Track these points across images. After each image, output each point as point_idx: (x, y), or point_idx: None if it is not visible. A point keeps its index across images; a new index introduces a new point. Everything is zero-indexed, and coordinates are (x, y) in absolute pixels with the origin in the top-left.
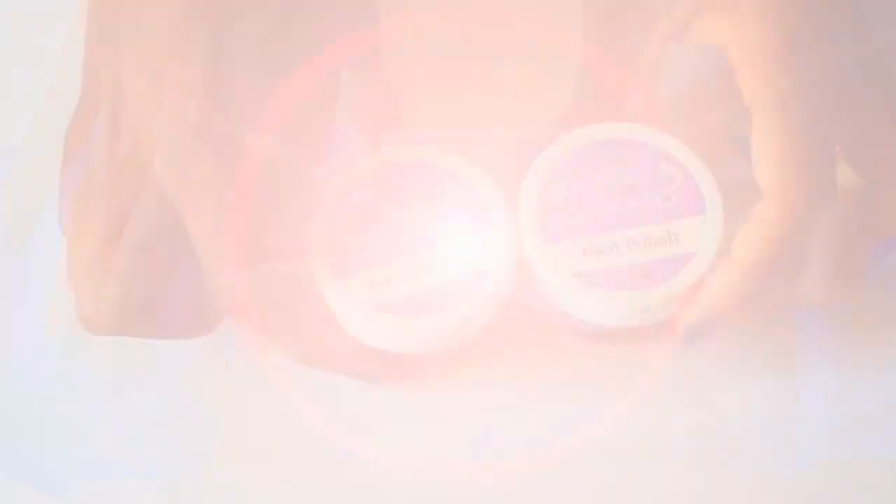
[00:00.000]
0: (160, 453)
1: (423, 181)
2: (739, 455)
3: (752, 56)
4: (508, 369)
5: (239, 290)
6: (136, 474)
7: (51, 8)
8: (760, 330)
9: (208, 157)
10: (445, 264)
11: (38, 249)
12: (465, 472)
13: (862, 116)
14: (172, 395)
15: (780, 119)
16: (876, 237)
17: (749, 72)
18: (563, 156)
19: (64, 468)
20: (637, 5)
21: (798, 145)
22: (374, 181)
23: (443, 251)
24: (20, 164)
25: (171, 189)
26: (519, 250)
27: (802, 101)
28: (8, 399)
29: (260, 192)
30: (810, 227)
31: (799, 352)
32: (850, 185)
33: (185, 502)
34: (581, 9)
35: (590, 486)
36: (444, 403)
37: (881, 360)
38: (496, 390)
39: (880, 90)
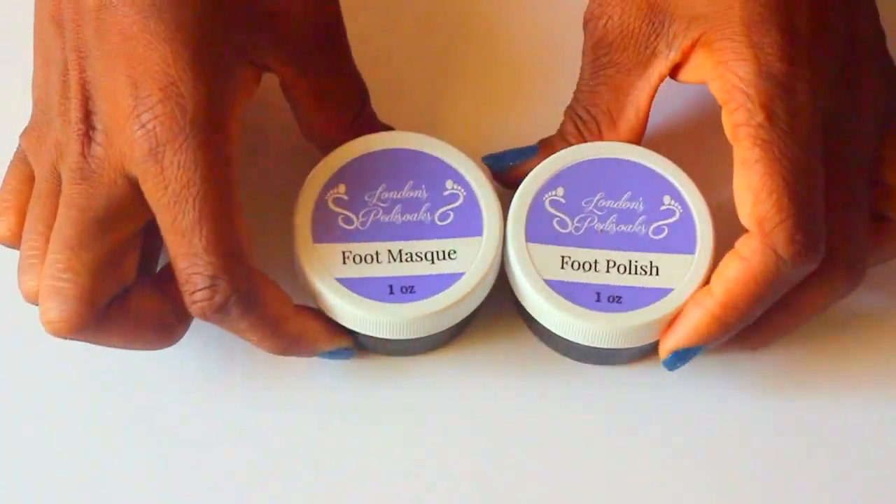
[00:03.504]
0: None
1: (403, 165)
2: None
3: (730, 93)
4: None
5: (220, 290)
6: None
7: None
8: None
9: (190, 154)
10: (423, 252)
11: None
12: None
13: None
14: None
15: (755, 153)
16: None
17: (729, 108)
18: (567, 165)
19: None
20: (628, 44)
21: (775, 179)
22: (353, 168)
23: (422, 239)
24: None
25: (149, 189)
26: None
27: (779, 136)
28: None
29: (237, 187)
30: (791, 272)
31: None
32: None
33: None
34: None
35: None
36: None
37: None
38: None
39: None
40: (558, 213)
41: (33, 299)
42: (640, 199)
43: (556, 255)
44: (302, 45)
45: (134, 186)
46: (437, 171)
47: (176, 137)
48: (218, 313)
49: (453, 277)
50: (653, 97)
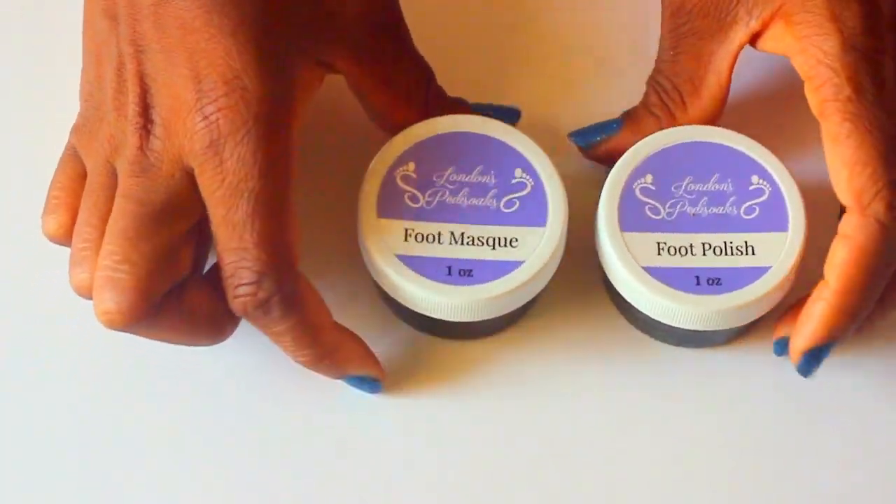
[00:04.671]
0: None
1: (474, 149)
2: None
3: (815, 68)
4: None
5: (264, 287)
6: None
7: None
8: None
9: (250, 148)
10: (485, 237)
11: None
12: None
13: None
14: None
15: (845, 128)
16: None
17: (814, 83)
18: (653, 151)
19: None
20: (708, 11)
21: (868, 152)
22: (422, 149)
23: (486, 224)
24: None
25: (205, 181)
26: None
27: (868, 109)
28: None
29: (293, 187)
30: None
31: None
32: None
33: None
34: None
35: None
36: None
37: None
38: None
39: None
40: (649, 201)
41: (85, 292)
42: (729, 180)
43: (651, 242)
44: (362, 38)
45: (192, 180)
46: (508, 159)
47: (238, 130)
48: (259, 309)
49: (512, 265)
50: (733, 64)
